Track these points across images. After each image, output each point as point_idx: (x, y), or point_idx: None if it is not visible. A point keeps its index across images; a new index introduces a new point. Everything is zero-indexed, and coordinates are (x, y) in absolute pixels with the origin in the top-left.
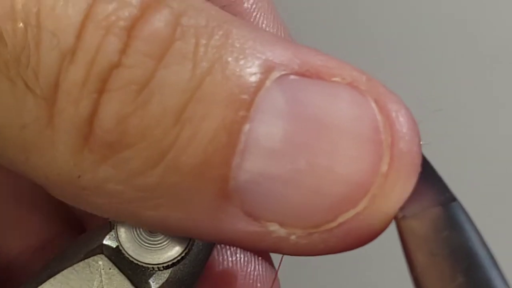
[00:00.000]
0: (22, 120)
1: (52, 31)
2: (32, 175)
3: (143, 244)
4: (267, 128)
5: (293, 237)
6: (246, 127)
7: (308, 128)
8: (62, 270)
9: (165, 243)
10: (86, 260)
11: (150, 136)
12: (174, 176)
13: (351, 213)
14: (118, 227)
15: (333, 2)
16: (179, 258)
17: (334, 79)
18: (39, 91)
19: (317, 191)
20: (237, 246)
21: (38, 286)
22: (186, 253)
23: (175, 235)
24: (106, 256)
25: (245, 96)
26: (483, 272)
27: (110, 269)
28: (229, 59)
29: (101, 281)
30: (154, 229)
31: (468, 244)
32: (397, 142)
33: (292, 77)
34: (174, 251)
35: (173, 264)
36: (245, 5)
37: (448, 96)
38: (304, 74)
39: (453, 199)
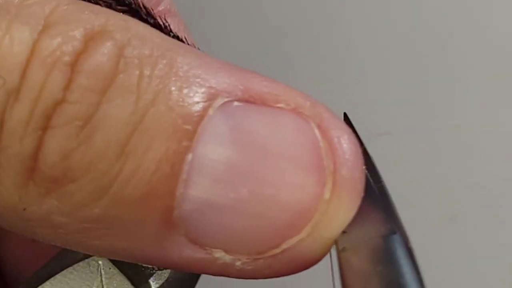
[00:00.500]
0: None
1: None
2: None
3: None
4: (209, 157)
5: (238, 263)
6: (189, 156)
7: (251, 156)
8: (62, 270)
9: None
10: (86, 260)
11: (94, 170)
12: (118, 208)
13: (295, 239)
14: None
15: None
16: None
17: (278, 105)
18: None
19: (261, 219)
20: (185, 271)
21: (38, 286)
22: None
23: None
24: None
25: (188, 127)
26: None
27: (110, 268)
28: (173, 88)
29: (101, 281)
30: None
31: (400, 281)
32: (339, 169)
33: (235, 103)
34: None
35: None
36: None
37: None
38: (248, 100)
39: (394, 231)
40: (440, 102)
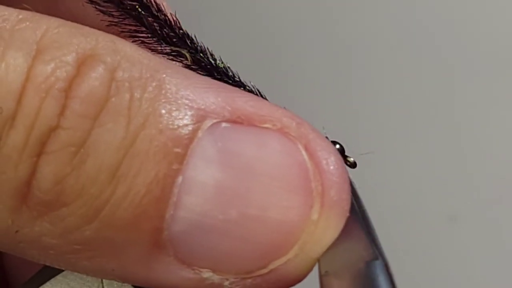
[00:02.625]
0: None
1: None
2: None
3: None
4: (199, 179)
5: (226, 283)
6: (179, 179)
7: (239, 178)
8: (62, 270)
9: None
10: None
11: (86, 194)
12: (108, 230)
13: (283, 260)
14: None
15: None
16: None
17: (264, 125)
18: None
19: (249, 240)
20: None
21: (38, 286)
22: None
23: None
24: None
25: (178, 150)
26: None
27: None
28: (163, 111)
29: (101, 282)
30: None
31: None
32: (327, 191)
33: (223, 124)
34: None
35: None
36: None
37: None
38: (236, 121)
39: (376, 257)
40: (440, 103)
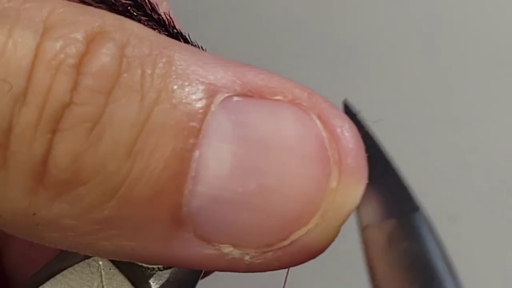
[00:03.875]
0: None
1: (3, 78)
2: None
3: None
4: (216, 153)
5: (247, 257)
6: (196, 153)
7: (255, 150)
8: (62, 270)
9: None
10: (86, 260)
11: (104, 171)
12: (127, 208)
13: (303, 230)
14: None
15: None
16: None
17: (276, 97)
18: None
19: (269, 212)
20: (193, 268)
21: (38, 286)
22: None
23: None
24: None
25: (193, 124)
26: (441, 286)
27: (110, 269)
28: (175, 87)
29: (101, 281)
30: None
31: (427, 256)
32: (344, 158)
33: (235, 98)
34: None
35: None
36: None
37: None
38: (246, 94)
39: (416, 208)
40: (440, 103)
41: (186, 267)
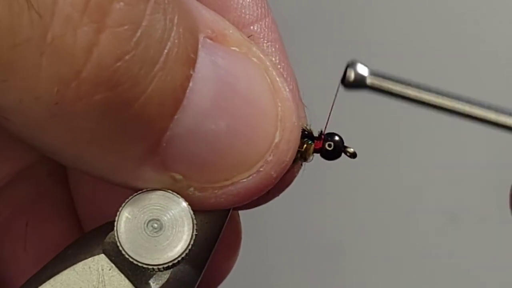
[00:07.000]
0: (15, 39)
1: None
2: (2, 97)
3: (143, 245)
4: (201, 88)
5: (191, 189)
6: (190, 84)
7: (228, 93)
8: (62, 270)
9: (165, 243)
10: (86, 261)
11: (135, 77)
12: (135, 121)
13: (246, 174)
14: (118, 227)
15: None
16: (179, 258)
17: (234, 48)
18: (36, 6)
19: (224, 153)
20: (140, 188)
21: (38, 286)
22: (186, 254)
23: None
24: (106, 256)
25: (193, 55)
26: None
27: (110, 269)
28: (182, 15)
29: (101, 282)
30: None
31: None
32: (289, 116)
33: (209, 41)
34: (174, 251)
35: (174, 265)
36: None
37: None
38: (214, 39)
39: None
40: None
41: (138, 188)
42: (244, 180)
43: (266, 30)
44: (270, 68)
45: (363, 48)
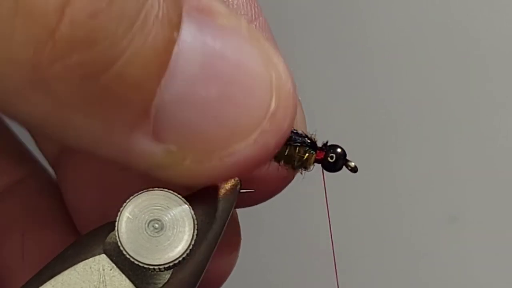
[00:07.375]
0: None
1: None
2: None
3: (144, 245)
4: (188, 54)
5: (187, 161)
6: (176, 48)
7: (218, 59)
8: (63, 270)
9: (166, 243)
10: (87, 261)
11: (111, 36)
12: (116, 84)
13: (242, 144)
14: (119, 227)
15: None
16: (180, 259)
17: (220, 21)
18: None
19: (219, 121)
20: (133, 165)
21: (39, 286)
22: (187, 254)
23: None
24: (107, 256)
25: (175, 19)
26: None
27: (111, 269)
28: None
29: (102, 282)
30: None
31: None
32: (284, 84)
33: (194, 12)
34: (175, 251)
35: (174, 265)
36: None
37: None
38: (200, 11)
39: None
40: (440, 103)
41: (131, 164)
42: (242, 149)
43: (260, 30)
44: (261, 39)
45: (363, 48)
